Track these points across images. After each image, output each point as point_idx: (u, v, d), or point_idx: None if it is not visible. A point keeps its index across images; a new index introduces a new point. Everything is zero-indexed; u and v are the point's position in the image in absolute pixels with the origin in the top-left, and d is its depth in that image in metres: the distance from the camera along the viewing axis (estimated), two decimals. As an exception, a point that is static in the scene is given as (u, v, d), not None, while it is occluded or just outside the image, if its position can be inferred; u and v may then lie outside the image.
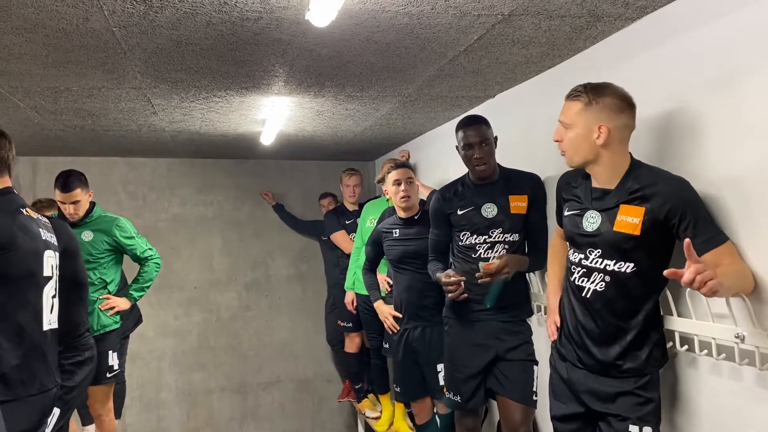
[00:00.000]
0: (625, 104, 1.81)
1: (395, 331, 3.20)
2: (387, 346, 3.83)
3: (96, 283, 3.36)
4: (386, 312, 3.25)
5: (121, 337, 3.56)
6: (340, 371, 5.48)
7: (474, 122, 2.56)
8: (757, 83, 1.63)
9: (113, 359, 3.39)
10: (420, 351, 3.10)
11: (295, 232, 5.70)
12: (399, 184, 3.05)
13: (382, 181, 3.66)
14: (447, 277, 2.48)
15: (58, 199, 3.33)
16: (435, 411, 3.34)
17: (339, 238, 4.72)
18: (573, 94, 1.86)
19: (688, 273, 1.42)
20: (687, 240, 1.44)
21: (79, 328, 2.27)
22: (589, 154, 1.84)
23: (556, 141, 1.92)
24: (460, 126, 2.58)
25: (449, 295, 2.53)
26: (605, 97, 1.80)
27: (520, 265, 2.48)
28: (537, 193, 2.57)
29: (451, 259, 2.73)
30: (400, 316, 3.16)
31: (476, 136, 2.51)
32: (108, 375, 3.36)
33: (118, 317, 3.45)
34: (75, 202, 3.29)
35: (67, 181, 3.28)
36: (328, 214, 4.93)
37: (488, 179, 2.58)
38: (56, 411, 2.03)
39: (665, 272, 1.49)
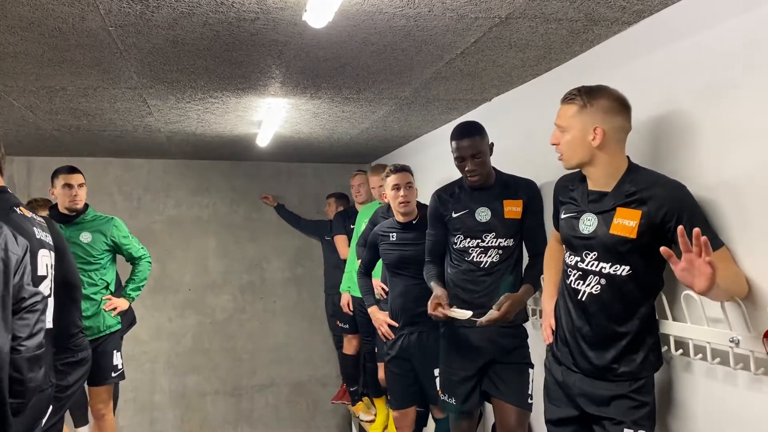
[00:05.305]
0: (620, 106, 1.81)
1: (389, 339, 3.15)
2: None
3: (98, 284, 3.40)
4: (381, 319, 3.18)
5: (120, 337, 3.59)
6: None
7: (467, 134, 2.50)
8: (752, 88, 1.64)
9: (117, 359, 3.44)
10: (416, 356, 3.06)
11: (296, 232, 5.68)
12: (398, 189, 3.02)
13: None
14: (433, 307, 2.44)
15: (63, 182, 3.36)
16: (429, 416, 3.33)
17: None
18: (568, 98, 1.87)
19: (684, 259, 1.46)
20: (680, 227, 1.45)
21: (70, 329, 2.26)
22: (585, 155, 1.85)
23: (553, 144, 1.93)
24: (453, 136, 2.54)
25: (429, 311, 2.49)
26: (600, 100, 1.81)
27: (521, 302, 2.44)
28: (532, 198, 2.55)
29: (446, 265, 2.71)
30: (396, 324, 3.11)
31: (468, 148, 2.47)
32: (113, 374, 3.41)
33: (119, 317, 3.49)
34: (81, 185, 3.38)
35: (72, 167, 3.41)
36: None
37: (484, 184, 2.57)
38: (48, 409, 2.01)
39: (661, 249, 1.47)
